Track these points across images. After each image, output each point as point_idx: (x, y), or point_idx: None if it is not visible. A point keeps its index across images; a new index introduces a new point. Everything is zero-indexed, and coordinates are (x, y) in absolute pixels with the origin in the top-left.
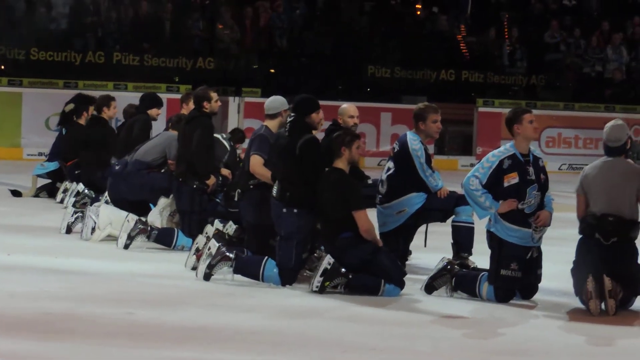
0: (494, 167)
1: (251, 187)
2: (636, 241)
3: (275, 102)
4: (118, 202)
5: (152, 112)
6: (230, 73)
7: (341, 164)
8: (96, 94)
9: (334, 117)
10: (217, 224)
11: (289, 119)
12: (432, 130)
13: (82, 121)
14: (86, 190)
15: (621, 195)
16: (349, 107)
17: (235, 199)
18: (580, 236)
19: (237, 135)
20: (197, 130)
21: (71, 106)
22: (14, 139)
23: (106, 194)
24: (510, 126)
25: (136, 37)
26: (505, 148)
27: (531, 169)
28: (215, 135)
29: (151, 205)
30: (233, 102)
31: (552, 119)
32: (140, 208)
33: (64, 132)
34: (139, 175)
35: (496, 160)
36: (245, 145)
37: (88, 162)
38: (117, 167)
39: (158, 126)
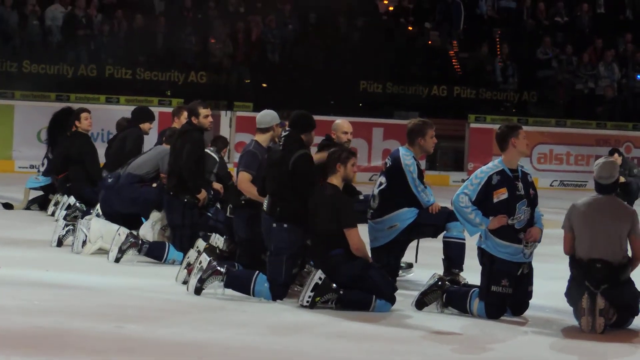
0: (483, 183)
1: (242, 202)
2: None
3: (267, 116)
4: (110, 214)
5: (144, 126)
6: (222, 87)
7: (335, 180)
8: (88, 107)
9: (327, 132)
10: (214, 238)
11: (283, 134)
12: (430, 146)
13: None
14: (77, 204)
15: (610, 238)
16: (342, 123)
17: (227, 214)
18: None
19: (220, 143)
20: (186, 144)
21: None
22: (5, 151)
23: (97, 207)
24: (506, 140)
25: (129, 51)
26: (494, 164)
27: (520, 185)
28: (206, 150)
29: (142, 219)
30: (225, 117)
31: (544, 136)
32: (132, 221)
33: (50, 149)
34: (132, 188)
35: (485, 176)
36: (228, 152)
37: (77, 177)
38: (109, 180)
39: (150, 140)
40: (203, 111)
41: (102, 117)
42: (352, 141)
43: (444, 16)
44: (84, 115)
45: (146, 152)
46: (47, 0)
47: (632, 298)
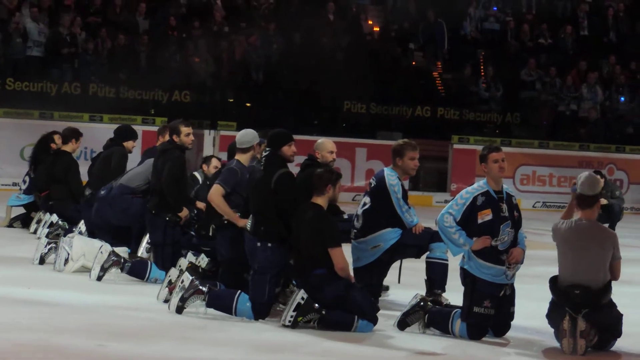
0: (468, 204)
1: (225, 222)
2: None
3: (247, 135)
4: (101, 227)
5: (128, 144)
6: (206, 106)
7: (321, 200)
8: (72, 125)
9: (310, 152)
10: (190, 256)
11: (264, 153)
12: (409, 167)
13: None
14: (60, 221)
15: (593, 263)
16: (327, 143)
17: (210, 234)
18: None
19: (204, 161)
20: (167, 163)
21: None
22: None
23: (80, 225)
24: (481, 165)
25: (113, 69)
26: (479, 185)
27: (505, 206)
28: (194, 173)
29: (133, 243)
30: (208, 136)
31: (527, 157)
32: (122, 235)
33: (33, 167)
34: (123, 199)
35: (470, 197)
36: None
37: (59, 196)
38: (102, 192)
39: (133, 158)
40: (184, 129)
41: (85, 136)
42: (335, 161)
43: (427, 37)
44: (80, 139)
45: (137, 167)
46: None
47: (613, 320)
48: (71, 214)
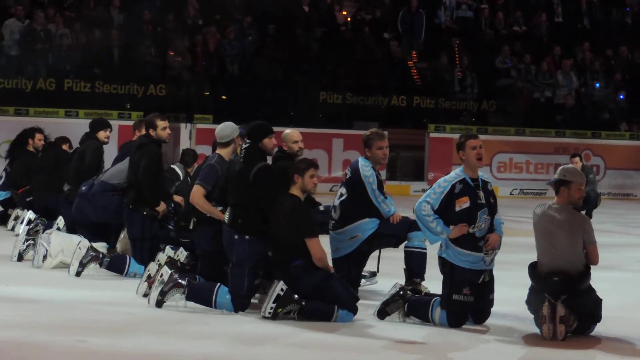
0: (446, 192)
1: (208, 215)
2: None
3: (226, 129)
4: (82, 223)
5: (100, 134)
6: (182, 99)
7: (295, 190)
8: (47, 121)
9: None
10: (169, 250)
11: (243, 146)
12: (379, 157)
13: (30, 148)
14: (38, 220)
15: (568, 249)
16: (292, 133)
17: (191, 227)
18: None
19: (188, 158)
20: (143, 157)
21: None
22: None
23: (57, 221)
24: (458, 153)
25: (87, 64)
26: (456, 173)
27: (481, 193)
28: (172, 166)
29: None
30: (185, 129)
31: (503, 144)
32: (102, 231)
33: (9, 163)
34: (104, 196)
35: (448, 185)
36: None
37: (40, 187)
38: (83, 188)
39: (109, 150)
40: (160, 123)
41: (61, 131)
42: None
43: (406, 26)
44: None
45: (119, 163)
46: (3, 13)
47: (593, 305)
48: (50, 205)
